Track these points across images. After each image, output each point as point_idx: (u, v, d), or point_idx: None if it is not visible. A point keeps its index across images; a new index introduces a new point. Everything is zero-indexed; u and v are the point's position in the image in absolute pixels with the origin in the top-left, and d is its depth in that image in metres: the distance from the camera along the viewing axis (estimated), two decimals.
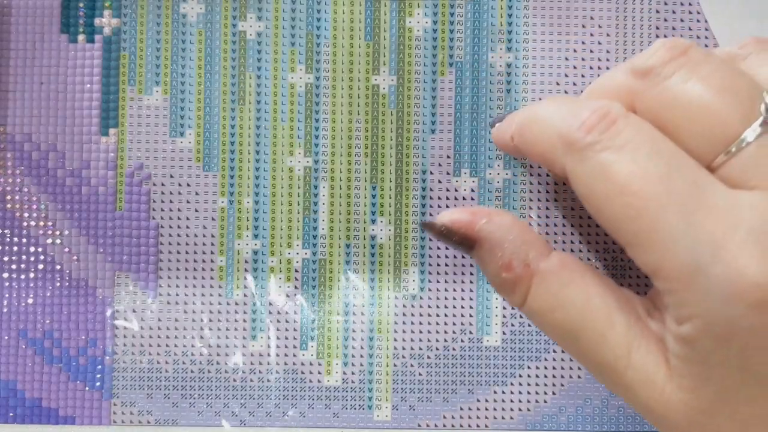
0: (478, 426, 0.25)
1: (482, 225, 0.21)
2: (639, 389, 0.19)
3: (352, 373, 0.26)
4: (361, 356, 0.26)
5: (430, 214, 0.26)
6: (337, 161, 0.26)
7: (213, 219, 0.26)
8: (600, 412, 0.25)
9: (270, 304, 0.26)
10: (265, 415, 0.26)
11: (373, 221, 0.26)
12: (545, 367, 0.25)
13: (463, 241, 0.21)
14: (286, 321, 0.26)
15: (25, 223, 0.26)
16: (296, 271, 0.26)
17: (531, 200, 0.26)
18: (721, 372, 0.18)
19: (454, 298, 0.26)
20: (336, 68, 0.26)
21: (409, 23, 0.26)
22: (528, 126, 0.22)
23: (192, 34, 0.26)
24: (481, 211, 0.21)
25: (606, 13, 0.26)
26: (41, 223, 0.26)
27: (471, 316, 0.26)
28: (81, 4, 0.26)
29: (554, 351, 0.25)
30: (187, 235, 0.26)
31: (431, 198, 0.26)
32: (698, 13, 0.26)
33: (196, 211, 0.26)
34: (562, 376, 0.25)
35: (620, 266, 0.25)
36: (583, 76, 0.26)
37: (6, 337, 0.26)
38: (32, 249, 0.26)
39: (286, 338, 0.26)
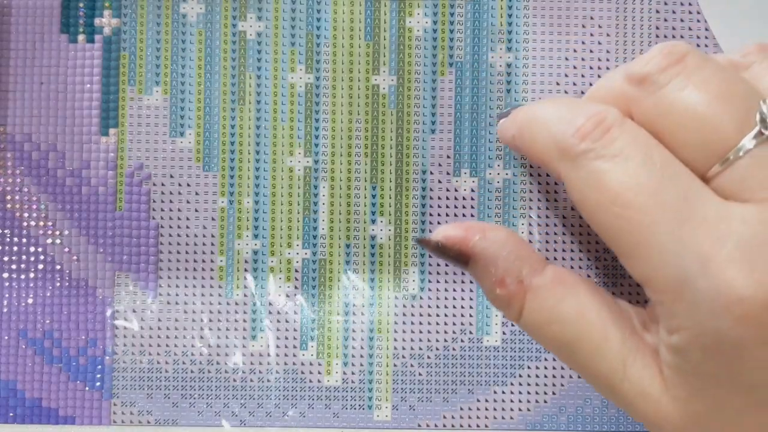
0: (478, 426, 0.25)
1: (476, 241, 0.21)
2: (635, 401, 0.20)
3: (352, 373, 0.26)
4: (361, 356, 0.26)
5: (430, 214, 0.26)
6: (337, 161, 0.26)
7: (213, 219, 0.26)
8: (600, 412, 0.25)
9: (270, 304, 0.26)
10: (265, 415, 0.26)
11: (373, 221, 0.26)
12: (545, 367, 0.25)
13: (458, 257, 0.21)
14: (286, 321, 0.26)
15: (25, 223, 0.26)
16: (296, 271, 0.26)
17: (531, 200, 0.26)
18: (713, 383, 0.18)
19: (454, 298, 0.26)
20: (336, 68, 0.26)
21: (409, 23, 0.26)
22: (527, 128, 0.22)
23: (192, 34, 0.26)
24: (475, 227, 0.21)
25: (606, 13, 0.26)
26: (41, 223, 0.26)
27: (471, 316, 0.26)
28: (81, 4, 0.26)
29: None
30: (187, 235, 0.26)
31: (431, 198, 0.26)
32: (698, 13, 0.26)
33: (196, 211, 0.26)
34: (562, 376, 0.25)
35: (620, 266, 0.25)
36: (583, 76, 0.26)
37: (6, 337, 0.26)
38: (32, 249, 0.26)
39: (286, 338, 0.26)
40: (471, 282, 0.26)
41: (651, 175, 0.18)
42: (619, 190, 0.18)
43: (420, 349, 0.26)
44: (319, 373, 0.26)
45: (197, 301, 0.26)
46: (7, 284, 0.26)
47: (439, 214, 0.26)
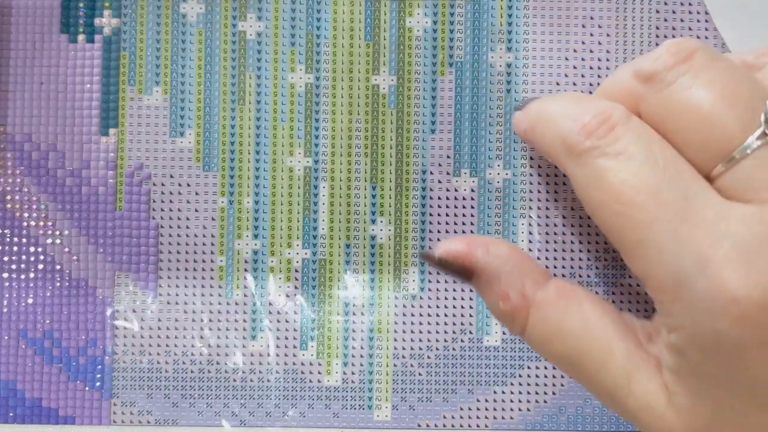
0: (478, 426, 0.25)
1: (479, 256, 0.21)
2: (640, 415, 0.19)
3: (352, 373, 0.26)
4: (361, 356, 0.26)
5: (430, 215, 0.26)
6: (337, 161, 0.26)
7: (213, 219, 0.26)
8: (600, 412, 0.25)
9: (270, 304, 0.26)
10: (265, 415, 0.26)
11: (373, 221, 0.26)
12: (545, 367, 0.25)
13: (461, 272, 0.21)
14: (286, 321, 0.26)
15: (25, 223, 0.26)
16: (296, 271, 0.26)
17: (531, 200, 0.26)
18: (713, 384, 0.18)
19: (454, 298, 0.26)
20: (336, 68, 0.26)
21: (409, 23, 0.26)
22: (537, 122, 0.22)
23: (192, 34, 0.26)
24: (478, 241, 0.21)
25: (606, 13, 0.26)
26: (41, 223, 0.26)
27: (471, 316, 0.26)
28: (81, 4, 0.26)
29: None
30: (187, 235, 0.26)
31: (431, 198, 0.26)
32: (698, 13, 0.26)
33: (196, 211, 0.26)
34: (562, 376, 0.25)
35: (620, 266, 0.25)
36: (583, 76, 0.26)
37: (6, 337, 0.26)
38: (32, 249, 0.26)
39: (286, 338, 0.26)
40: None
41: (653, 174, 0.18)
42: (620, 188, 0.18)
43: (420, 349, 0.26)
44: (319, 373, 0.26)
45: (197, 301, 0.26)
46: (7, 284, 0.26)
47: (439, 214, 0.26)
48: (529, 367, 0.25)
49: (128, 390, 0.26)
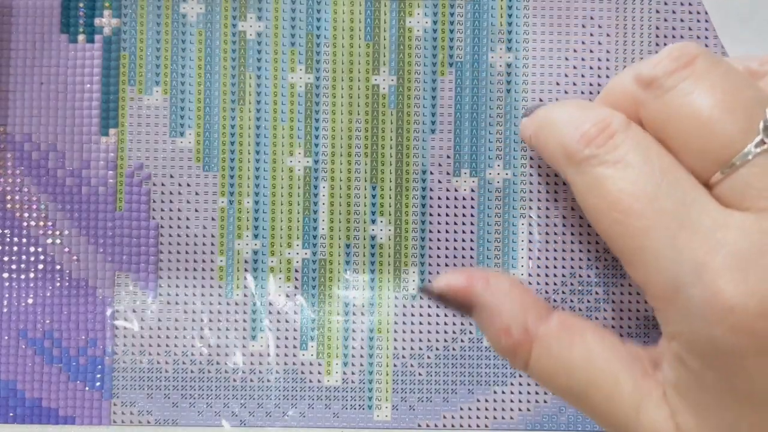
0: (478, 426, 0.25)
1: (479, 290, 0.20)
2: None
3: (352, 373, 0.26)
4: (361, 356, 0.26)
5: (430, 215, 0.26)
6: (337, 161, 0.26)
7: (213, 219, 0.26)
8: None
9: (270, 304, 0.26)
10: (265, 415, 0.26)
11: (373, 221, 0.26)
12: None
13: (461, 306, 0.21)
14: (286, 321, 0.26)
15: (25, 223, 0.26)
16: (296, 271, 0.26)
17: (531, 200, 0.26)
18: (716, 400, 0.18)
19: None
20: (336, 68, 0.26)
21: (409, 23, 0.26)
22: (540, 129, 0.22)
23: (192, 34, 0.26)
24: (478, 275, 0.21)
25: (606, 13, 0.26)
26: (41, 223, 0.26)
27: None
28: (81, 4, 0.26)
29: None
30: (187, 235, 0.26)
31: (431, 198, 0.26)
32: (698, 13, 0.26)
33: (196, 211, 0.26)
34: None
35: (620, 266, 0.25)
36: (583, 76, 0.26)
37: (6, 337, 0.26)
38: (32, 249, 0.26)
39: (286, 338, 0.26)
40: None
41: (651, 182, 0.18)
42: (618, 196, 0.19)
43: (420, 349, 0.26)
44: (319, 373, 0.26)
45: (197, 301, 0.26)
46: (7, 284, 0.26)
47: (439, 214, 0.26)
48: None
49: (128, 390, 0.26)
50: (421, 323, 0.26)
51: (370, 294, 0.26)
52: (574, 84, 0.26)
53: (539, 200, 0.26)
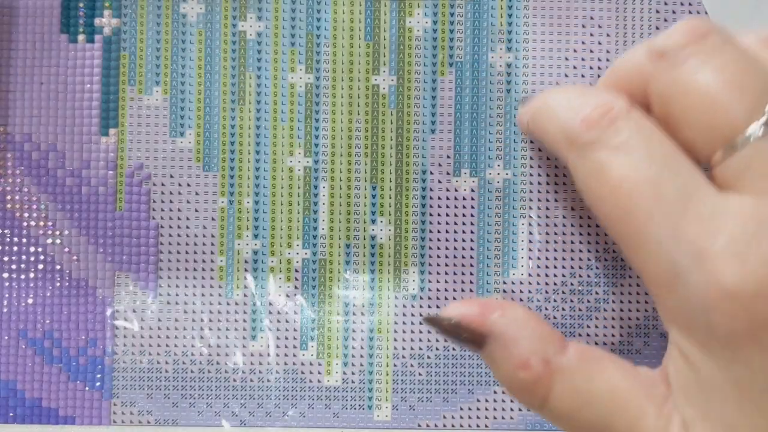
0: (478, 426, 0.25)
1: (494, 319, 0.19)
2: None
3: (352, 373, 0.26)
4: (361, 356, 0.26)
5: (430, 215, 0.26)
6: (337, 161, 0.26)
7: (213, 219, 0.26)
8: None
9: (270, 304, 0.26)
10: (265, 415, 0.26)
11: (373, 221, 0.26)
12: None
13: (474, 337, 0.20)
14: (286, 321, 0.26)
15: (25, 223, 0.26)
16: (296, 271, 0.26)
17: (531, 200, 0.26)
18: (715, 390, 0.18)
19: (454, 298, 0.26)
20: (336, 68, 0.26)
21: (409, 23, 0.26)
22: (539, 115, 0.22)
23: (192, 34, 0.26)
24: (492, 304, 0.20)
25: (606, 13, 0.26)
26: (41, 223, 0.26)
27: None
28: (81, 4, 0.26)
29: None
30: (187, 235, 0.26)
31: (431, 198, 0.26)
32: (698, 13, 0.26)
33: (196, 211, 0.26)
34: None
35: (620, 266, 0.25)
36: (583, 76, 0.26)
37: (6, 337, 0.26)
38: (32, 249, 0.26)
39: (286, 338, 0.26)
40: (471, 282, 0.26)
41: (651, 169, 0.18)
42: (619, 182, 0.18)
43: (420, 349, 0.26)
44: (319, 373, 0.26)
45: (197, 301, 0.26)
46: (7, 284, 0.26)
47: (439, 214, 0.26)
48: None
49: (128, 390, 0.26)
50: (421, 323, 0.26)
51: (370, 294, 0.26)
52: (574, 84, 0.26)
53: (539, 200, 0.26)
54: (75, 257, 0.26)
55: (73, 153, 0.26)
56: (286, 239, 0.26)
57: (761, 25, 0.26)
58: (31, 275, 0.26)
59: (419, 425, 0.26)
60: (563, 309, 0.25)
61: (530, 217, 0.26)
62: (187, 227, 0.26)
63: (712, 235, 0.17)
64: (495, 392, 0.25)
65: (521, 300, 0.25)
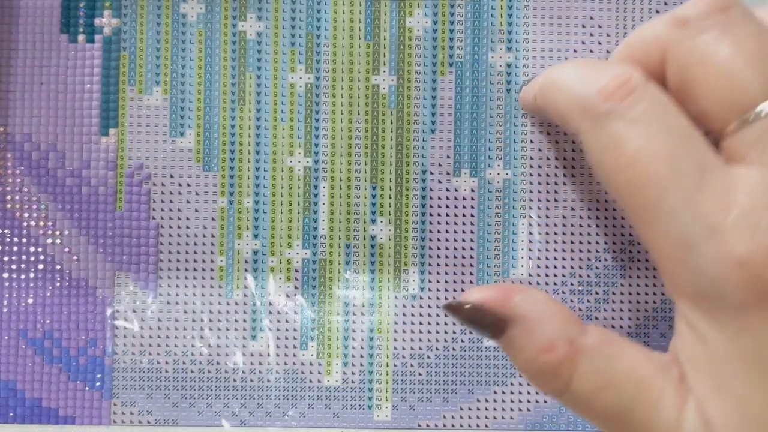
0: (478, 426, 0.25)
1: (517, 301, 0.19)
2: None
3: (352, 373, 0.26)
4: (361, 356, 0.26)
5: (430, 215, 0.26)
6: (337, 161, 0.26)
7: (213, 219, 0.26)
8: None
9: (270, 304, 0.26)
10: (265, 415, 0.26)
11: (373, 221, 0.26)
12: None
13: (496, 321, 0.19)
14: (286, 321, 0.26)
15: (25, 223, 0.26)
16: (296, 271, 0.26)
17: (531, 200, 0.26)
18: (724, 363, 0.18)
19: (454, 298, 0.26)
20: (336, 68, 0.26)
21: (409, 23, 0.26)
22: (549, 87, 0.21)
23: (192, 34, 0.26)
24: (512, 287, 0.20)
25: (606, 13, 0.26)
26: (41, 223, 0.26)
27: None
28: (81, 4, 0.26)
29: None
30: (187, 235, 0.26)
31: (431, 198, 0.26)
32: None
33: (196, 211, 0.26)
34: None
35: (620, 266, 0.25)
36: None
37: (6, 337, 0.26)
38: (32, 249, 0.26)
39: (286, 338, 0.26)
40: (471, 282, 0.26)
41: (668, 143, 0.18)
42: (635, 155, 0.18)
43: (420, 349, 0.26)
44: (319, 373, 0.26)
45: (197, 301, 0.26)
46: (7, 284, 0.26)
47: (439, 214, 0.26)
48: None
49: (128, 390, 0.26)
50: (421, 323, 0.26)
51: (370, 294, 0.26)
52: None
53: (539, 200, 0.26)
54: (75, 257, 0.26)
55: (73, 153, 0.26)
56: (286, 239, 0.26)
57: None
58: (31, 275, 0.26)
59: (419, 425, 0.26)
60: None
61: (530, 217, 0.26)
62: (187, 227, 0.26)
63: (726, 209, 0.18)
64: (495, 392, 0.25)
65: None
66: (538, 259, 0.25)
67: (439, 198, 0.26)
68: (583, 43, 0.26)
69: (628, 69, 0.19)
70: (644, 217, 0.19)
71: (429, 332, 0.26)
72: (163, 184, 0.26)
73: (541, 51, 0.26)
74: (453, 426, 0.25)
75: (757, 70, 0.18)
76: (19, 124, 0.26)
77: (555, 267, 0.25)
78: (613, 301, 0.25)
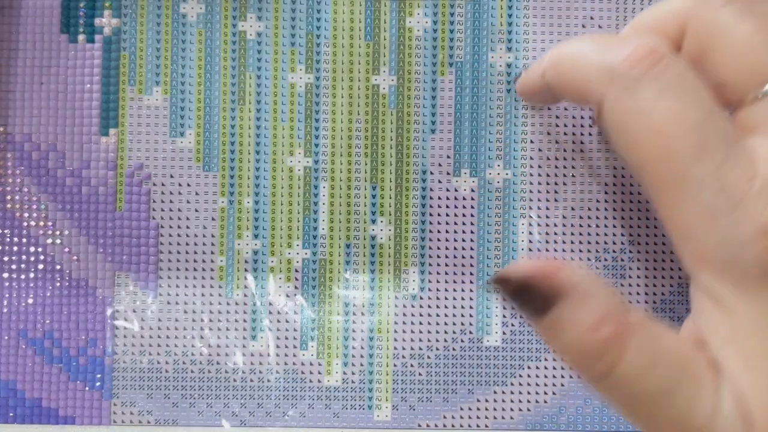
0: (478, 426, 0.25)
1: (565, 276, 0.18)
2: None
3: (352, 373, 0.26)
4: (361, 356, 0.26)
5: (430, 215, 0.26)
6: (337, 161, 0.26)
7: (213, 219, 0.26)
8: (600, 412, 0.25)
9: (270, 304, 0.26)
10: (265, 415, 0.26)
11: (373, 221, 0.26)
12: (545, 367, 0.25)
13: (545, 296, 0.18)
14: (286, 321, 0.26)
15: (25, 223, 0.26)
16: (296, 271, 0.26)
17: (531, 200, 0.26)
18: (755, 337, 0.18)
19: (454, 298, 0.26)
20: (336, 68, 0.26)
21: (409, 23, 0.26)
22: (564, 59, 0.21)
23: (192, 34, 0.26)
24: (558, 262, 0.18)
25: (606, 13, 0.26)
26: (41, 223, 0.26)
27: (471, 316, 0.26)
28: (81, 4, 0.26)
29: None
30: (187, 235, 0.26)
31: (431, 198, 0.26)
32: None
33: (196, 211, 0.26)
34: (562, 376, 0.25)
35: (620, 266, 0.25)
36: None
37: (6, 337, 0.26)
38: (32, 249, 0.26)
39: (286, 338, 0.26)
40: (471, 282, 0.26)
41: (698, 111, 0.18)
42: (667, 123, 0.18)
43: (420, 349, 0.26)
44: (319, 373, 0.26)
45: (197, 301, 0.26)
46: (7, 284, 0.26)
47: (439, 214, 0.26)
48: (529, 367, 0.25)
49: (128, 390, 0.26)
50: (421, 323, 0.26)
51: (370, 294, 0.26)
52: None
53: (539, 200, 0.26)
54: (75, 257, 0.26)
55: (73, 153, 0.26)
56: (286, 239, 0.26)
57: None
58: (31, 275, 0.26)
59: (419, 425, 0.26)
60: None
61: (530, 217, 0.26)
62: (187, 227, 0.26)
63: (750, 178, 0.18)
64: (495, 392, 0.25)
65: None
66: (538, 259, 0.25)
67: (439, 198, 0.26)
68: None
69: (653, 38, 0.19)
70: (669, 187, 0.19)
71: (429, 332, 0.26)
72: (163, 184, 0.26)
73: (541, 51, 0.26)
74: (453, 426, 0.25)
75: None
76: (19, 124, 0.26)
77: None
78: None
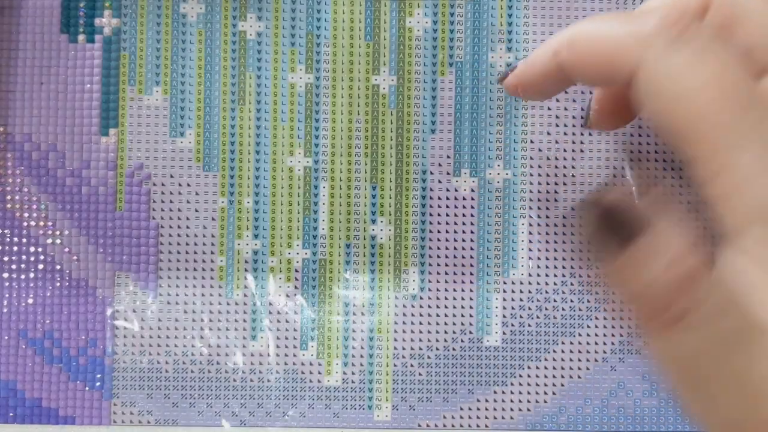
0: (478, 426, 0.25)
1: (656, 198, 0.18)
2: None
3: (352, 373, 0.26)
4: (361, 356, 0.26)
5: (430, 215, 0.26)
6: (337, 161, 0.26)
7: (213, 219, 0.26)
8: (600, 412, 0.25)
9: (270, 304, 0.26)
10: (265, 415, 0.26)
11: (373, 221, 0.26)
12: (545, 367, 0.25)
13: (638, 220, 0.17)
14: (286, 321, 0.26)
15: (25, 223, 0.26)
16: (296, 271, 0.26)
17: (531, 200, 0.26)
18: None
19: (454, 298, 0.26)
20: (336, 68, 0.26)
21: (409, 23, 0.26)
22: (585, 33, 0.20)
23: (192, 34, 0.26)
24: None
25: (606, 13, 0.26)
26: (41, 223, 0.26)
27: (471, 316, 0.26)
28: (81, 4, 0.26)
29: (554, 351, 0.25)
30: (187, 235, 0.26)
31: (431, 198, 0.26)
32: None
33: (196, 211, 0.26)
34: (562, 376, 0.25)
35: None
36: None
37: (6, 337, 0.26)
38: (32, 249, 0.26)
39: (286, 338, 0.26)
40: (471, 282, 0.26)
41: (735, 74, 0.18)
42: (709, 81, 0.18)
43: (420, 349, 0.26)
44: (319, 373, 0.26)
45: (197, 301, 0.26)
46: (7, 284, 0.26)
47: (439, 214, 0.26)
48: (529, 367, 0.25)
49: (128, 390, 0.26)
50: (421, 323, 0.26)
51: (370, 294, 0.26)
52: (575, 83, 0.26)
53: (539, 200, 0.26)
54: (75, 257, 0.26)
55: (73, 153, 0.26)
56: (286, 239, 0.26)
57: None
58: (31, 275, 0.26)
59: (419, 425, 0.26)
60: (563, 309, 0.25)
61: (530, 217, 0.26)
62: (187, 227, 0.26)
63: None
64: (495, 392, 0.25)
65: (521, 300, 0.25)
66: (538, 259, 0.25)
67: (439, 198, 0.26)
68: None
69: (677, 6, 0.20)
70: (713, 146, 0.18)
71: (429, 332, 0.26)
72: (163, 184, 0.26)
73: None
74: (453, 426, 0.25)
75: None
76: (19, 124, 0.26)
77: (555, 267, 0.25)
78: (613, 301, 0.25)
